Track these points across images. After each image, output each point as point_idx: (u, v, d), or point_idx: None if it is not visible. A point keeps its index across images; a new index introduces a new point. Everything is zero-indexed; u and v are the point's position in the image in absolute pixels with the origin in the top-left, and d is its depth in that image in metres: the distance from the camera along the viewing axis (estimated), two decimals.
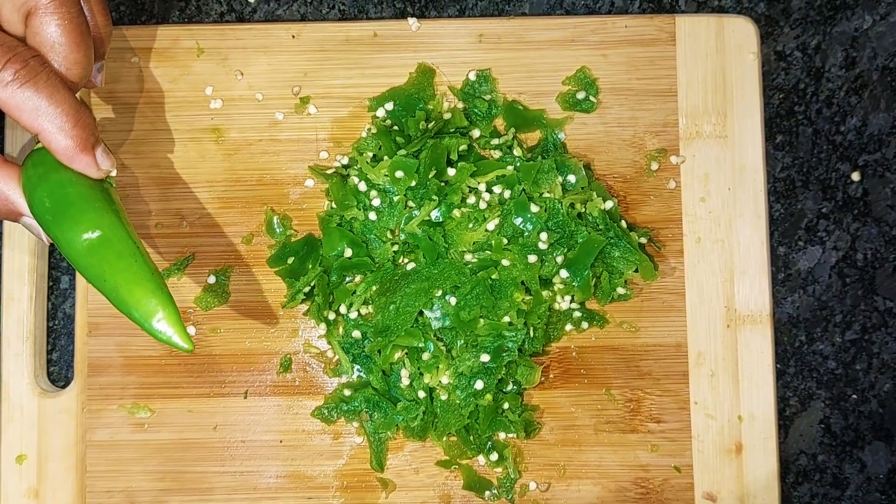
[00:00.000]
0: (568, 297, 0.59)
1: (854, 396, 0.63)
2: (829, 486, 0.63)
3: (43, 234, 0.49)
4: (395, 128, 0.61)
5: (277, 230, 0.61)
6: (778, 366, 0.62)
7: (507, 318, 0.58)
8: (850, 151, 0.64)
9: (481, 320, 0.58)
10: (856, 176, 0.63)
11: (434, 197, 0.58)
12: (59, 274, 0.63)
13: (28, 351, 0.60)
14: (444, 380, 0.58)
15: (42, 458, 0.59)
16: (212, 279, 0.60)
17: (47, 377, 0.62)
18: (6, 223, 0.60)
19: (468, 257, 0.58)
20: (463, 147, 0.59)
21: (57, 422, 0.60)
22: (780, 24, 0.64)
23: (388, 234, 0.59)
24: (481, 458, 0.59)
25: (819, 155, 0.64)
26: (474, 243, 0.59)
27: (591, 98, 0.61)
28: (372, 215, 0.59)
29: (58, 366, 0.63)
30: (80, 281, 0.60)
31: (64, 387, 0.61)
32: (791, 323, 0.63)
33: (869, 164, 0.64)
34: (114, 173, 0.50)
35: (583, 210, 0.59)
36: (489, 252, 0.58)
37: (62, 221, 0.47)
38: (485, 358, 0.57)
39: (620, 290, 0.59)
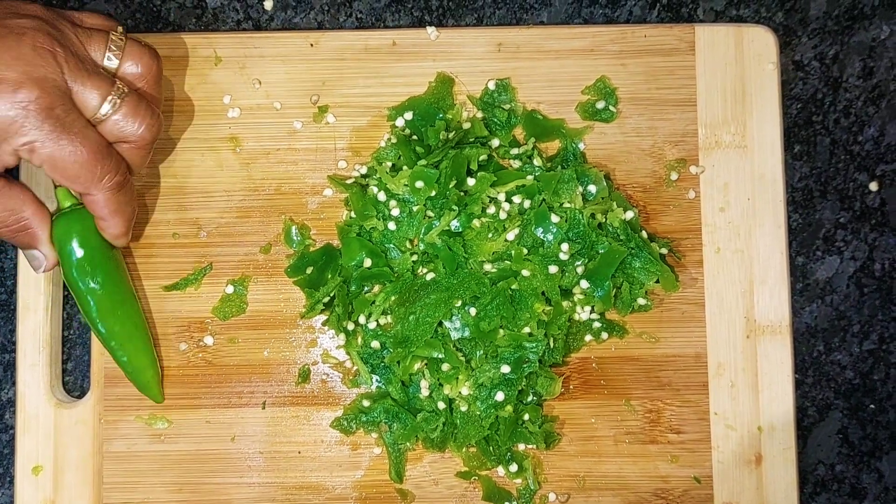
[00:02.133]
0: (588, 308, 0.59)
1: (872, 406, 0.63)
2: (847, 497, 0.63)
3: (44, 265, 0.56)
4: (415, 137, 0.60)
5: (296, 240, 0.60)
6: (796, 376, 0.62)
7: (527, 329, 0.57)
8: (867, 161, 0.64)
9: (501, 331, 0.57)
10: (873, 186, 0.64)
11: (454, 207, 0.58)
12: None
13: (44, 361, 0.60)
14: (464, 391, 0.57)
15: (58, 470, 0.59)
16: (230, 289, 0.60)
17: (63, 387, 0.61)
18: None
19: (488, 267, 0.58)
20: (483, 157, 0.59)
21: (73, 433, 0.59)
22: (797, 34, 0.64)
23: (408, 244, 0.59)
24: (501, 470, 0.59)
25: (837, 165, 0.64)
26: (494, 253, 0.58)
27: (611, 108, 0.61)
28: (391, 225, 0.58)
29: (73, 376, 0.62)
30: None
31: (79, 397, 0.61)
32: (809, 333, 0.63)
33: (886, 173, 0.64)
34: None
35: (603, 220, 0.59)
36: (509, 262, 0.58)
37: (89, 294, 0.56)
38: (505, 369, 0.57)
39: (641, 301, 0.59)
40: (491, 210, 0.58)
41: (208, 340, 0.60)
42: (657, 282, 0.59)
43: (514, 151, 0.60)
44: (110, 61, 0.53)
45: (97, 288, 0.56)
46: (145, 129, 0.53)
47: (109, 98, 0.51)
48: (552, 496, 0.60)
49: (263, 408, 0.60)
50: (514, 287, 0.57)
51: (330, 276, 0.60)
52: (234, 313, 0.60)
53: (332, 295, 0.59)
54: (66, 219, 0.56)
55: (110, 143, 0.53)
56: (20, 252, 0.60)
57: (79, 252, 0.55)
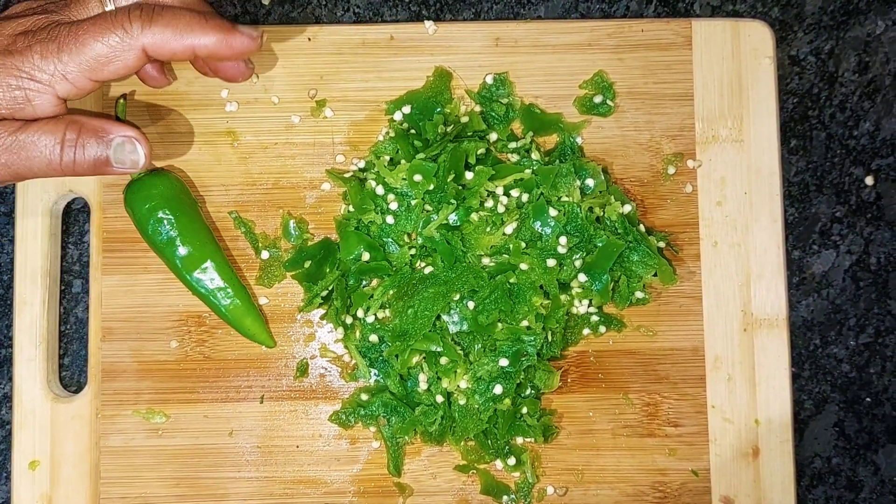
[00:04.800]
0: (586, 302, 0.59)
1: (868, 399, 0.63)
2: (843, 489, 0.63)
3: (140, 152, 0.54)
4: (413, 131, 0.60)
5: (294, 234, 0.60)
6: (793, 369, 0.62)
7: (525, 323, 0.57)
8: (863, 156, 0.64)
9: (499, 324, 0.58)
10: (869, 180, 0.64)
11: (452, 201, 0.58)
12: (71, 278, 0.62)
13: (41, 355, 0.59)
14: (463, 384, 0.57)
15: (55, 465, 0.59)
16: (265, 255, 0.61)
17: (59, 382, 0.61)
18: (18, 228, 0.60)
19: (486, 261, 0.58)
20: (481, 151, 0.59)
21: (70, 427, 0.59)
22: (793, 28, 0.64)
23: (406, 238, 0.59)
24: (499, 463, 0.59)
25: (833, 159, 0.64)
26: (492, 247, 0.58)
27: (608, 102, 0.61)
28: (389, 219, 0.58)
29: (70, 370, 0.62)
30: (94, 286, 0.60)
31: (76, 392, 0.61)
32: (805, 326, 0.63)
33: (882, 168, 0.64)
34: (261, 33, 0.54)
35: (601, 214, 0.59)
36: (507, 256, 0.58)
37: (173, 250, 0.57)
38: (503, 362, 0.57)
39: (638, 294, 0.59)
40: (489, 204, 0.58)
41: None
42: (655, 275, 0.59)
43: (512, 145, 0.60)
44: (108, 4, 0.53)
45: (180, 245, 0.57)
46: None
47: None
48: (550, 489, 0.60)
49: (261, 402, 0.60)
50: (512, 281, 0.57)
51: (328, 269, 0.60)
52: (278, 278, 0.60)
53: (330, 289, 0.59)
54: (140, 184, 0.57)
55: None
56: (17, 242, 0.60)
57: (156, 213, 0.56)
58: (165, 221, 0.57)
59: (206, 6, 0.55)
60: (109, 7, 0.53)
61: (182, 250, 0.57)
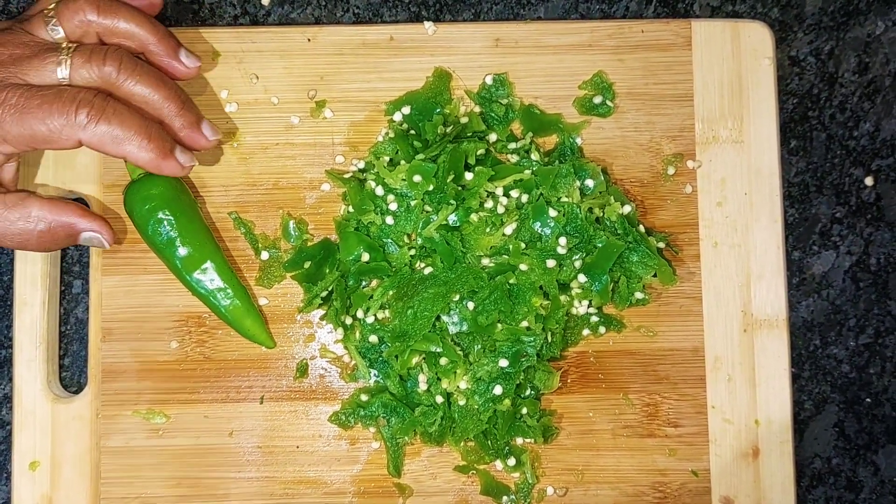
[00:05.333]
0: (586, 302, 0.59)
1: (868, 400, 0.63)
2: (843, 490, 0.63)
3: (105, 241, 0.56)
4: (412, 132, 0.60)
5: (294, 234, 0.60)
6: (793, 370, 0.62)
7: (524, 323, 0.57)
8: (863, 156, 0.64)
9: (499, 325, 0.58)
10: (869, 181, 0.64)
11: (451, 201, 0.58)
12: (71, 279, 0.62)
13: (41, 356, 0.59)
14: (462, 385, 0.57)
15: (55, 465, 0.59)
16: (265, 255, 0.61)
17: (60, 383, 0.61)
18: None
19: (486, 262, 0.58)
20: (480, 151, 0.59)
21: (70, 428, 0.59)
22: (793, 29, 0.64)
23: (406, 239, 0.59)
24: (499, 464, 0.59)
25: (833, 160, 0.64)
26: (492, 248, 0.58)
27: (608, 102, 0.61)
28: (389, 219, 0.58)
29: (70, 371, 0.62)
30: (94, 287, 0.60)
31: (76, 393, 0.61)
32: (805, 327, 0.63)
33: (882, 168, 0.64)
34: (195, 163, 0.56)
35: (601, 215, 0.59)
36: (507, 256, 0.58)
37: (173, 251, 0.57)
38: (503, 363, 0.57)
39: (638, 295, 0.59)
40: (489, 204, 0.58)
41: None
42: (654, 276, 0.59)
43: (512, 146, 0.60)
44: (56, 32, 0.54)
45: (179, 245, 0.57)
46: (111, 66, 0.52)
47: (59, 59, 0.52)
48: (550, 490, 0.60)
49: (261, 402, 0.60)
50: (511, 281, 0.57)
51: (328, 270, 0.60)
52: (278, 279, 0.60)
53: (329, 289, 0.59)
54: (139, 185, 0.57)
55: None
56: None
57: (155, 214, 0.57)
58: (165, 222, 0.57)
59: (182, 111, 0.55)
60: (55, 33, 0.53)
61: (182, 251, 0.57)
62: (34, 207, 0.54)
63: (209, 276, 0.58)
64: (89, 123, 0.51)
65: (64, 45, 0.53)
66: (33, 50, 0.53)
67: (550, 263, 0.58)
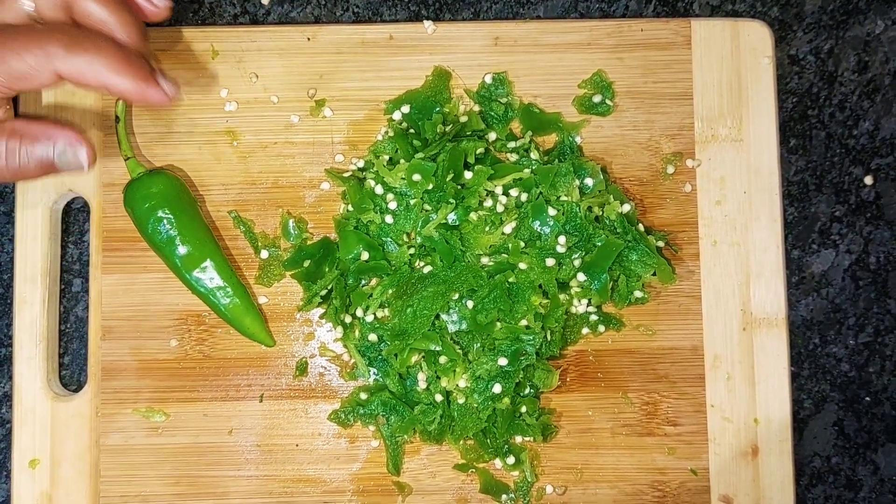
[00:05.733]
0: (585, 301, 0.59)
1: (867, 399, 0.63)
2: (842, 488, 0.63)
3: (83, 159, 0.53)
4: (412, 131, 0.60)
5: (293, 233, 0.60)
6: (792, 368, 0.62)
7: (524, 322, 0.57)
8: (862, 155, 0.64)
9: (498, 324, 0.58)
10: (868, 179, 0.64)
11: (451, 200, 0.58)
12: (70, 277, 0.62)
13: (41, 354, 0.60)
14: (462, 383, 0.57)
15: (55, 463, 0.59)
16: (264, 254, 0.61)
17: (59, 381, 0.61)
18: (18, 227, 0.60)
19: (485, 260, 0.58)
20: (480, 150, 0.59)
21: (70, 426, 0.59)
22: (793, 28, 0.64)
23: (405, 238, 0.59)
24: (498, 462, 0.59)
25: (832, 159, 0.64)
26: (491, 246, 0.59)
27: (608, 101, 0.61)
28: (388, 218, 0.59)
29: (69, 369, 0.62)
30: (94, 285, 0.60)
31: (76, 391, 0.61)
32: (805, 326, 0.63)
33: (881, 167, 0.64)
34: (178, 92, 0.55)
35: (600, 213, 0.59)
36: (506, 255, 0.58)
37: (172, 249, 0.57)
38: (502, 361, 0.57)
39: (637, 294, 0.59)
40: (488, 203, 0.58)
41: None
42: (654, 274, 0.59)
43: (511, 145, 0.60)
44: None
45: (179, 244, 0.57)
46: None
47: None
48: (549, 488, 0.60)
49: (261, 401, 0.60)
50: (511, 280, 0.57)
51: (327, 269, 0.60)
52: (277, 277, 0.60)
53: (329, 288, 0.59)
54: (139, 183, 0.58)
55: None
56: (17, 241, 0.60)
57: (155, 212, 0.57)
58: (165, 220, 0.57)
59: (140, 42, 0.53)
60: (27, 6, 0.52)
61: (182, 249, 0.57)
62: (7, 123, 0.53)
63: (209, 275, 0.58)
64: (66, 54, 0.50)
65: None
66: None
67: (550, 262, 0.58)
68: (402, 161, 0.59)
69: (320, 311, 0.60)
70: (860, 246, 0.64)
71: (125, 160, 0.59)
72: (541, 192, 0.59)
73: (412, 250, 0.59)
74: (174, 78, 0.55)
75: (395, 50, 0.61)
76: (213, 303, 0.58)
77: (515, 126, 0.61)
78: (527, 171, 0.59)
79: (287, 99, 0.61)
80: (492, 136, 0.60)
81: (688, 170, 0.61)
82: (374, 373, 0.59)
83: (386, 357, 0.58)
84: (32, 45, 0.50)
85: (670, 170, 0.61)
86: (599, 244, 0.58)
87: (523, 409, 0.59)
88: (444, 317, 0.58)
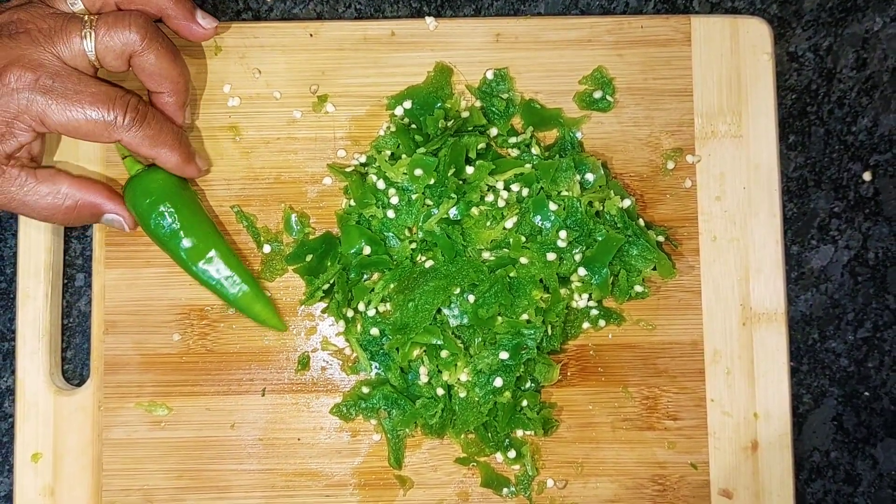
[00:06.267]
0: (586, 295, 0.59)
1: (866, 394, 0.63)
2: (841, 483, 0.63)
3: (126, 224, 0.58)
4: (414, 126, 0.61)
5: (295, 228, 0.61)
6: (791, 363, 0.62)
7: (525, 316, 0.58)
8: (861, 151, 0.64)
9: (499, 318, 0.58)
10: (867, 176, 0.64)
11: (452, 195, 0.58)
12: (73, 272, 0.62)
13: (43, 349, 0.60)
14: (463, 377, 0.58)
15: (57, 457, 0.59)
16: (267, 248, 0.61)
17: (62, 375, 0.61)
18: (22, 222, 0.60)
19: (486, 255, 0.59)
20: (481, 145, 0.59)
21: (73, 420, 0.59)
22: (792, 25, 0.65)
23: (407, 232, 0.59)
24: (499, 456, 0.60)
25: (831, 155, 0.64)
26: (492, 241, 0.59)
27: (608, 97, 0.61)
28: (390, 213, 0.59)
29: (72, 364, 0.62)
30: (97, 280, 0.60)
31: (79, 385, 0.61)
32: (804, 321, 0.64)
33: (880, 164, 0.64)
34: (210, 167, 0.61)
35: (601, 208, 0.59)
36: (507, 250, 0.58)
37: (177, 243, 0.57)
38: (503, 355, 0.57)
39: (638, 288, 0.60)
40: (489, 198, 0.59)
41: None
42: (654, 269, 0.59)
43: (513, 140, 0.61)
44: (75, 4, 0.55)
45: (183, 237, 0.57)
46: (135, 32, 0.53)
47: (83, 32, 0.53)
48: (550, 482, 0.60)
49: (263, 395, 0.60)
50: (512, 274, 0.58)
51: (329, 263, 0.60)
52: (280, 272, 0.61)
53: (331, 282, 0.60)
54: (138, 180, 0.58)
55: (120, 87, 0.55)
56: (20, 236, 0.60)
57: (157, 207, 0.57)
58: (167, 214, 0.57)
59: (183, 99, 0.57)
60: (75, 5, 0.54)
61: (186, 242, 0.57)
62: (64, 184, 0.56)
63: (215, 266, 0.58)
64: (132, 127, 0.54)
65: (86, 17, 0.54)
66: (57, 22, 0.53)
67: (551, 257, 0.58)
68: (403, 156, 0.59)
69: (322, 305, 0.61)
70: (859, 242, 0.64)
71: (122, 159, 0.59)
72: (542, 188, 0.59)
73: (414, 245, 0.59)
74: (207, 155, 0.61)
75: (396, 46, 0.62)
76: (222, 293, 0.58)
77: (516, 122, 0.62)
78: (528, 166, 0.59)
79: (290, 95, 0.62)
80: (493, 131, 0.61)
81: (688, 165, 0.62)
82: (375, 367, 0.60)
83: (388, 351, 0.59)
84: (104, 110, 0.53)
85: (670, 165, 0.62)
86: (600, 239, 0.58)
87: (524, 403, 0.59)
88: (445, 311, 0.58)
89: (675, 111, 0.62)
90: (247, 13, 0.64)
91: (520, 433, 0.60)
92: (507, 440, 0.59)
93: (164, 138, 0.55)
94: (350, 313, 0.59)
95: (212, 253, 0.58)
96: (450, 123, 0.60)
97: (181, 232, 0.57)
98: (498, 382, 0.57)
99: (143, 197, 0.57)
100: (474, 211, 0.58)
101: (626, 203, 0.59)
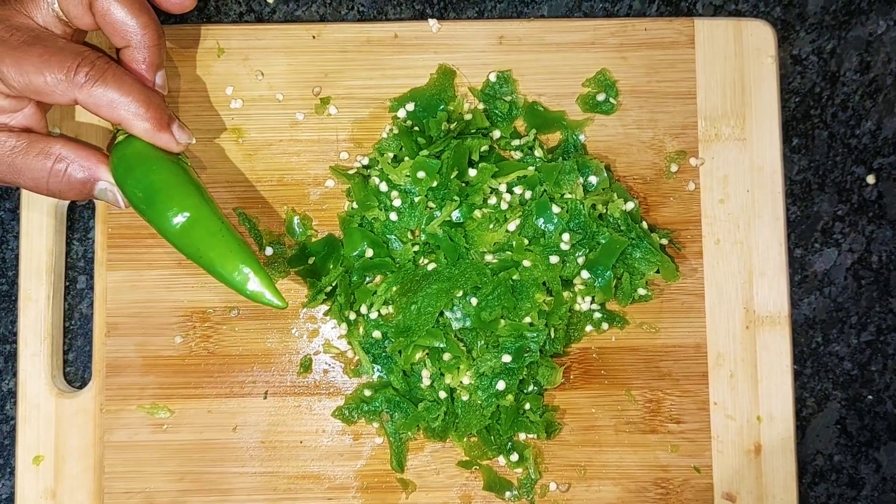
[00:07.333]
0: (589, 298, 0.59)
1: (870, 397, 0.63)
2: (845, 486, 0.63)
3: (120, 199, 0.54)
4: (416, 128, 0.61)
5: (298, 230, 0.61)
6: (795, 367, 0.62)
7: (528, 319, 0.58)
8: (864, 155, 0.64)
9: (502, 321, 0.58)
10: (871, 179, 0.64)
11: (455, 197, 0.58)
12: (75, 274, 0.62)
13: (45, 351, 0.60)
14: (466, 380, 0.58)
15: (59, 459, 0.59)
16: (269, 251, 0.61)
17: (64, 378, 0.61)
18: (24, 224, 0.60)
19: (489, 258, 0.59)
20: (484, 148, 0.59)
21: (74, 422, 0.59)
22: (795, 28, 0.65)
23: (409, 235, 0.59)
24: (502, 459, 0.59)
25: (834, 158, 0.64)
26: (495, 244, 0.59)
27: (611, 100, 0.61)
28: (393, 216, 0.59)
29: (74, 366, 0.62)
30: (99, 282, 0.60)
31: (80, 388, 0.61)
32: (807, 324, 0.63)
33: (884, 167, 0.64)
34: (193, 141, 0.55)
35: (604, 211, 0.59)
36: (510, 253, 0.58)
37: (154, 208, 0.52)
38: (506, 358, 0.57)
39: (641, 291, 0.60)
40: (492, 201, 0.59)
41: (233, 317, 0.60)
42: (657, 272, 0.59)
43: (516, 143, 0.61)
44: None
45: (167, 210, 0.52)
46: None
47: None
48: (553, 485, 0.60)
49: (265, 397, 0.60)
50: (515, 277, 0.58)
51: (332, 266, 0.60)
52: (282, 275, 0.60)
53: (333, 285, 0.59)
54: (115, 149, 0.54)
55: (78, 34, 0.52)
56: (22, 238, 0.60)
57: (129, 175, 0.52)
58: (142, 184, 0.52)
59: (157, 58, 0.53)
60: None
61: (171, 215, 0.52)
62: (57, 144, 0.53)
63: (196, 231, 0.53)
64: (87, 84, 0.50)
65: None
66: None
67: (554, 259, 0.58)
68: (406, 158, 0.59)
69: (325, 307, 0.60)
70: (862, 245, 0.64)
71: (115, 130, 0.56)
72: (545, 190, 0.59)
73: (416, 247, 0.59)
74: (187, 128, 0.55)
75: (399, 48, 0.62)
76: (211, 269, 0.53)
77: (519, 124, 0.62)
78: (531, 168, 0.59)
79: (292, 97, 0.61)
80: (496, 133, 0.61)
81: (691, 168, 0.62)
82: (378, 370, 0.59)
83: (390, 354, 0.59)
84: (57, 65, 0.50)
85: (674, 168, 0.61)
86: (603, 242, 0.58)
87: (527, 406, 0.59)
88: (448, 314, 0.58)
89: (678, 114, 0.62)
90: (249, 15, 0.64)
91: (522, 436, 0.59)
92: (509, 443, 0.59)
93: (129, 100, 0.51)
94: (352, 316, 0.59)
95: (186, 217, 0.52)
96: (453, 126, 0.60)
97: (158, 196, 0.52)
98: (501, 385, 0.57)
99: (119, 165, 0.53)
100: (477, 213, 0.58)
101: (630, 206, 0.59)
